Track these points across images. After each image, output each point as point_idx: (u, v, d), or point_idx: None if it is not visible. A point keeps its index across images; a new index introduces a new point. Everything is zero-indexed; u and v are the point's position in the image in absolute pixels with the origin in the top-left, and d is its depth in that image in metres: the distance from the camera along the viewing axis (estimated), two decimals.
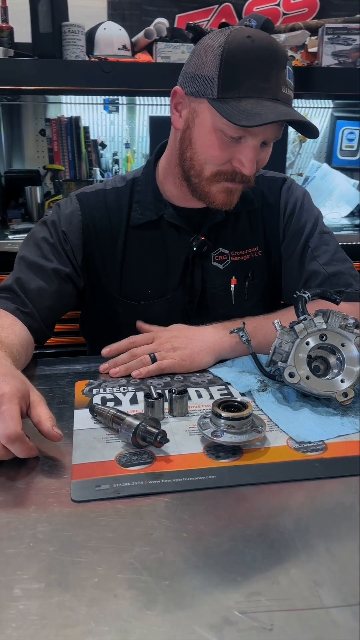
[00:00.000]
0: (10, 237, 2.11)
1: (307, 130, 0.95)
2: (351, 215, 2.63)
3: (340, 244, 1.13)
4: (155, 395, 0.78)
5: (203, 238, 1.07)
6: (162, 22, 2.31)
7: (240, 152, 0.94)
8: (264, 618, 0.46)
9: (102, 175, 2.58)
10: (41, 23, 2.02)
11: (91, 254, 1.08)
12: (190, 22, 2.21)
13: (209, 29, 2.19)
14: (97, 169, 2.57)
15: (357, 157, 2.82)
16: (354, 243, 2.24)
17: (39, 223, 1.10)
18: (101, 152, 2.61)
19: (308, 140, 2.80)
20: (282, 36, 2.24)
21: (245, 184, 0.99)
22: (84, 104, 2.54)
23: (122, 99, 2.56)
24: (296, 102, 2.50)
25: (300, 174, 2.81)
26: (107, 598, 0.48)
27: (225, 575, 0.51)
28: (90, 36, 2.20)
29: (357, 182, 2.73)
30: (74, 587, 0.50)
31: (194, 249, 1.07)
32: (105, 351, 0.98)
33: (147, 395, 0.79)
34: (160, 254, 1.09)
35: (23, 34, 2.14)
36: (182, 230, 1.08)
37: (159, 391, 0.80)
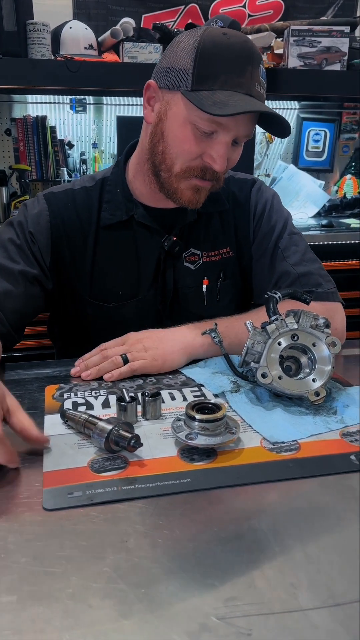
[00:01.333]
0: None
1: (279, 130, 0.95)
2: (318, 215, 2.67)
3: (308, 244, 1.14)
4: (128, 399, 0.77)
5: (175, 238, 1.06)
6: (128, 21, 2.30)
7: (212, 147, 0.93)
8: (242, 623, 0.46)
9: (70, 176, 2.55)
10: (5, 21, 1.98)
11: (60, 254, 1.06)
12: (157, 22, 2.21)
13: (175, 30, 2.19)
14: (65, 169, 2.54)
15: (323, 158, 2.86)
16: (321, 243, 2.27)
17: (5, 224, 1.07)
18: (68, 152, 2.58)
19: (275, 141, 2.82)
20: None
21: (215, 182, 0.99)
22: (50, 103, 2.51)
23: (89, 99, 2.54)
24: None
25: (268, 175, 2.83)
26: (82, 609, 0.47)
27: (202, 581, 0.50)
28: (56, 35, 2.17)
29: (323, 182, 2.77)
30: (48, 599, 0.48)
31: (166, 249, 1.06)
32: (79, 365, 0.94)
33: (120, 399, 0.77)
34: (131, 255, 1.07)
35: None
36: (153, 230, 1.06)
37: (132, 394, 0.79)
